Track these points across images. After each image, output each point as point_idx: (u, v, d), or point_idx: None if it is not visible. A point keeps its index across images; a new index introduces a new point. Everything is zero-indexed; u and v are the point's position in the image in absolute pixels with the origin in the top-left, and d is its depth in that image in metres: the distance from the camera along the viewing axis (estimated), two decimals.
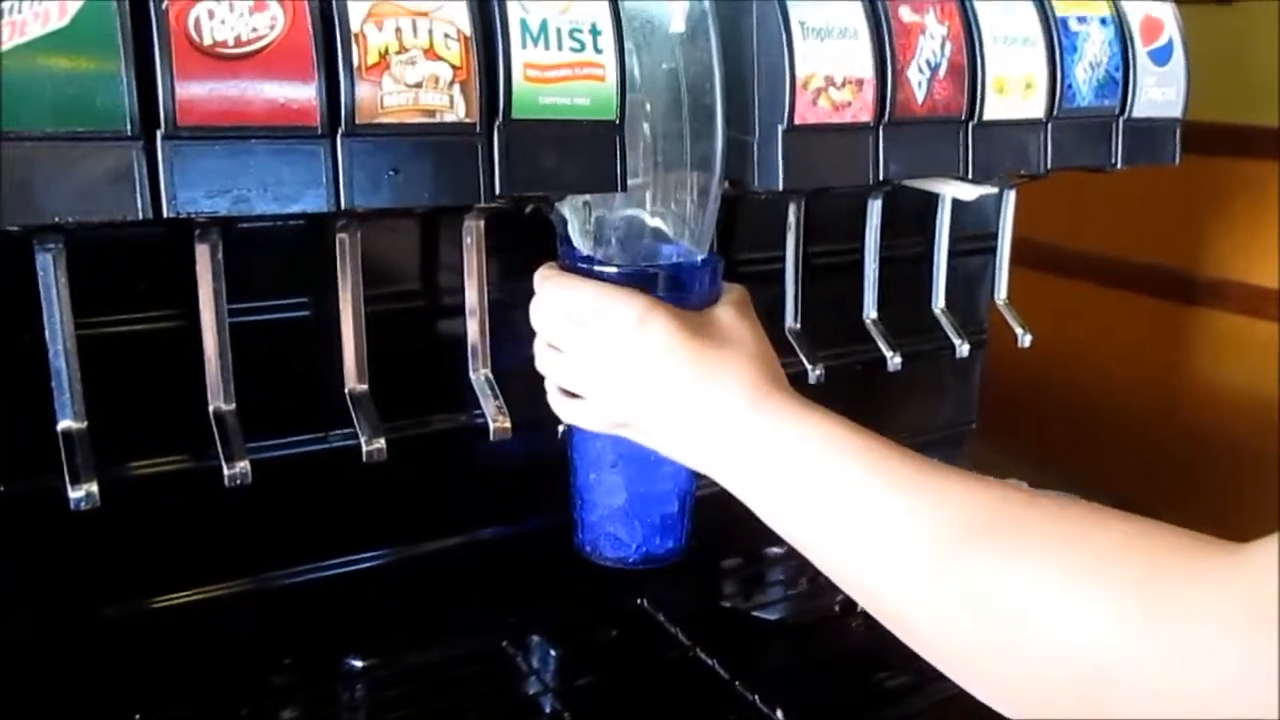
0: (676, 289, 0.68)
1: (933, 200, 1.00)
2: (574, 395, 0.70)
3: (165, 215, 0.53)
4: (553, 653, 0.90)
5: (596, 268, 0.69)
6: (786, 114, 0.70)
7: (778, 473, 0.61)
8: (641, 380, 0.65)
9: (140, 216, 0.52)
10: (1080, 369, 1.95)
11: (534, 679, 0.88)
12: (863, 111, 0.73)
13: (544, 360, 0.71)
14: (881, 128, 0.74)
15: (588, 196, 0.73)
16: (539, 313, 0.70)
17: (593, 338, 0.66)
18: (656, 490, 0.73)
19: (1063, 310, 1.90)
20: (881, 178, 0.75)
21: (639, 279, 0.68)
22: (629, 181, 0.70)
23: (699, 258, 0.73)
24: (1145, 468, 1.79)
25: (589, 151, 0.64)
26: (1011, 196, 1.00)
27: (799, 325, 0.92)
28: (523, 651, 0.91)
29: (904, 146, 0.76)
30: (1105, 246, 1.94)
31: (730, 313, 0.68)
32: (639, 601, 0.98)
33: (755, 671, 0.89)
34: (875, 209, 0.93)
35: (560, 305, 0.68)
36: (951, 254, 1.03)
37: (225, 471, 0.67)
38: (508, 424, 0.77)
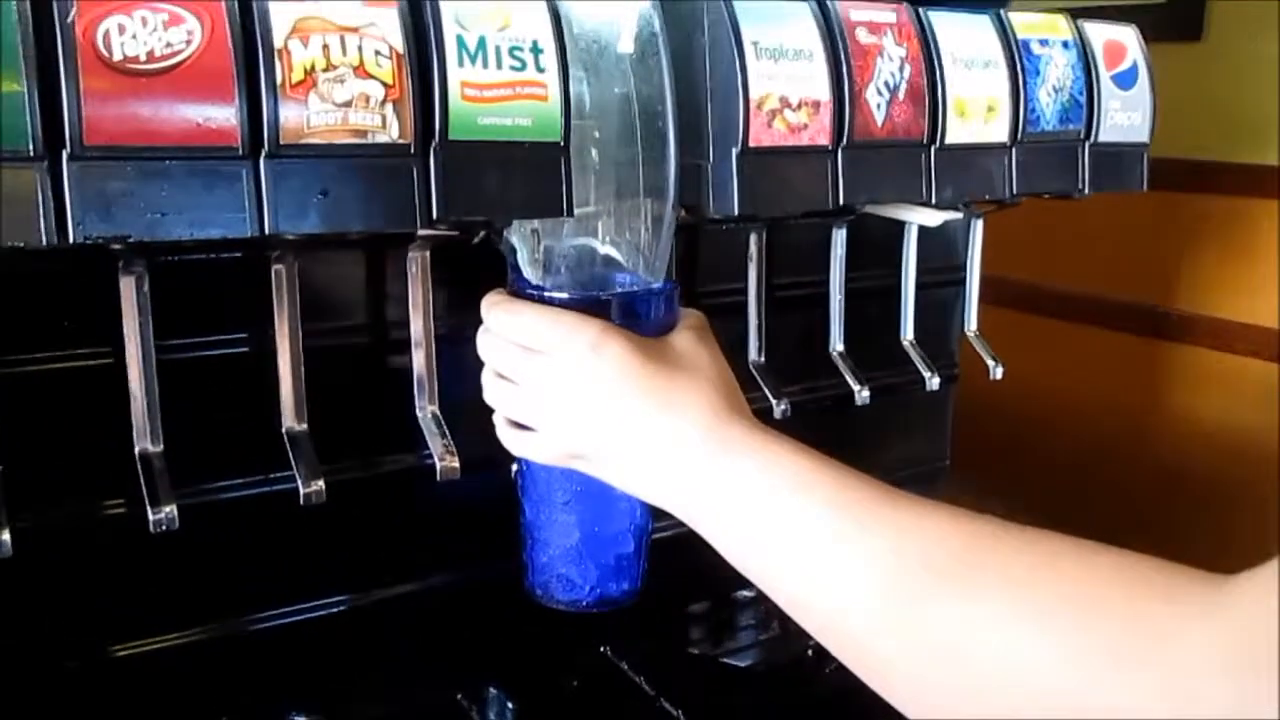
0: (631, 317, 0.65)
1: (899, 230, 0.98)
2: (524, 427, 0.66)
3: (72, 241, 0.50)
4: (510, 705, 0.86)
5: (548, 294, 0.66)
6: (740, 136, 0.68)
7: (737, 505, 0.58)
8: (596, 409, 0.62)
9: (43, 243, 0.49)
10: (1053, 405, 1.94)
11: None
12: (820, 134, 0.71)
13: (492, 391, 0.67)
14: (840, 151, 0.72)
15: (536, 224, 0.70)
16: (487, 341, 0.67)
17: (544, 366, 0.63)
18: (611, 529, 0.70)
19: (1035, 347, 1.88)
20: (841, 202, 0.72)
21: (592, 306, 0.65)
22: (579, 210, 0.67)
23: (654, 284, 0.70)
24: (1119, 503, 1.77)
25: (533, 174, 0.61)
26: (979, 226, 0.98)
27: (763, 359, 0.89)
28: (478, 704, 0.86)
29: (864, 170, 0.73)
30: (1076, 283, 1.93)
31: (688, 338, 0.65)
32: (602, 649, 0.94)
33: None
34: (840, 238, 0.91)
35: (509, 332, 0.65)
36: (920, 286, 1.01)
37: (150, 516, 0.63)
38: (456, 464, 0.73)
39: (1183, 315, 1.82)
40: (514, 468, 0.73)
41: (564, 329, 0.62)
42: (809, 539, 0.54)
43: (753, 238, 0.86)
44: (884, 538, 0.52)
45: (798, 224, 0.93)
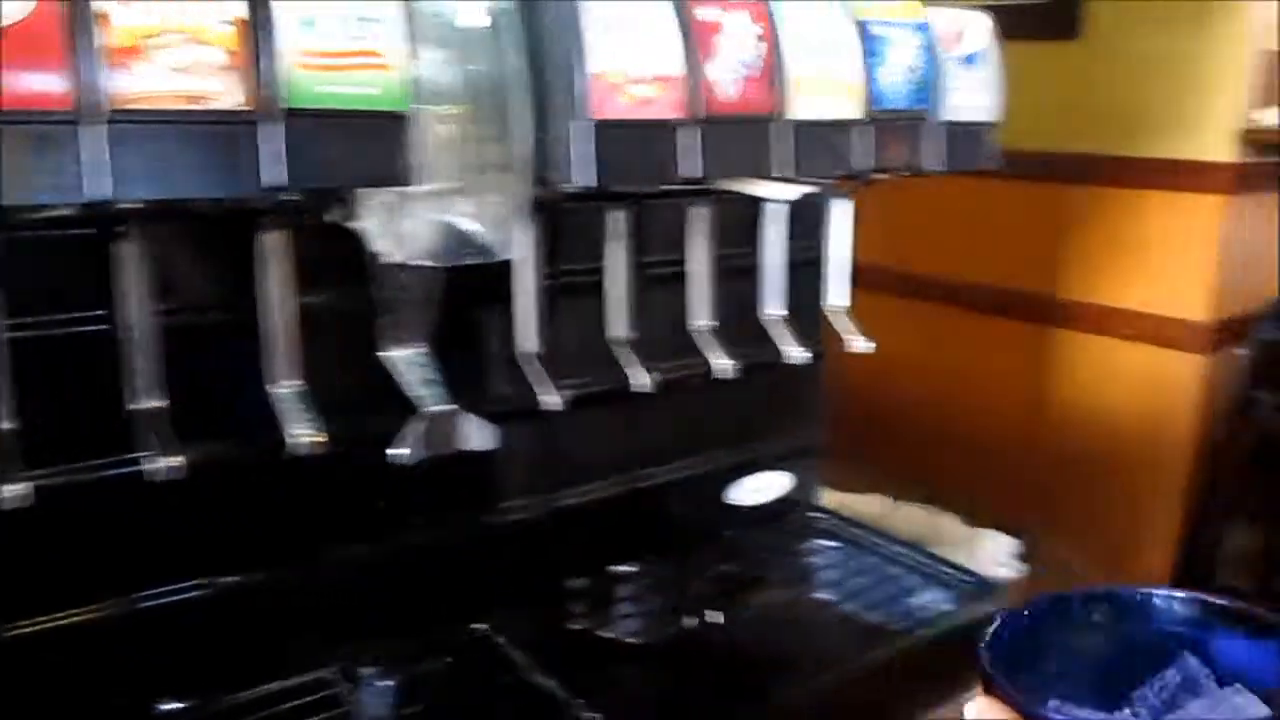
0: None
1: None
2: None
3: None
4: (384, 683, 0.86)
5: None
6: (589, 109, 0.69)
7: None
8: None
9: None
10: (939, 388, 2.00)
11: (362, 711, 0.84)
12: (669, 108, 0.73)
13: None
14: (691, 124, 0.74)
15: (390, 197, 0.71)
16: None
17: None
18: None
19: (921, 333, 1.95)
20: (693, 174, 0.74)
21: None
22: (433, 184, 0.68)
23: None
24: (1006, 481, 1.82)
25: (375, 143, 0.61)
26: (841, 204, 1.01)
27: (625, 335, 0.91)
28: (354, 682, 0.86)
29: (714, 144, 0.75)
30: (964, 272, 1.98)
31: None
32: (480, 628, 0.95)
33: (601, 694, 0.87)
34: (698, 216, 0.93)
35: None
36: (795, 266, 1.03)
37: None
38: (320, 438, 0.73)
39: (1066, 301, 1.89)
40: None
41: None
42: None
43: (614, 215, 0.88)
44: None
45: (665, 204, 0.95)
